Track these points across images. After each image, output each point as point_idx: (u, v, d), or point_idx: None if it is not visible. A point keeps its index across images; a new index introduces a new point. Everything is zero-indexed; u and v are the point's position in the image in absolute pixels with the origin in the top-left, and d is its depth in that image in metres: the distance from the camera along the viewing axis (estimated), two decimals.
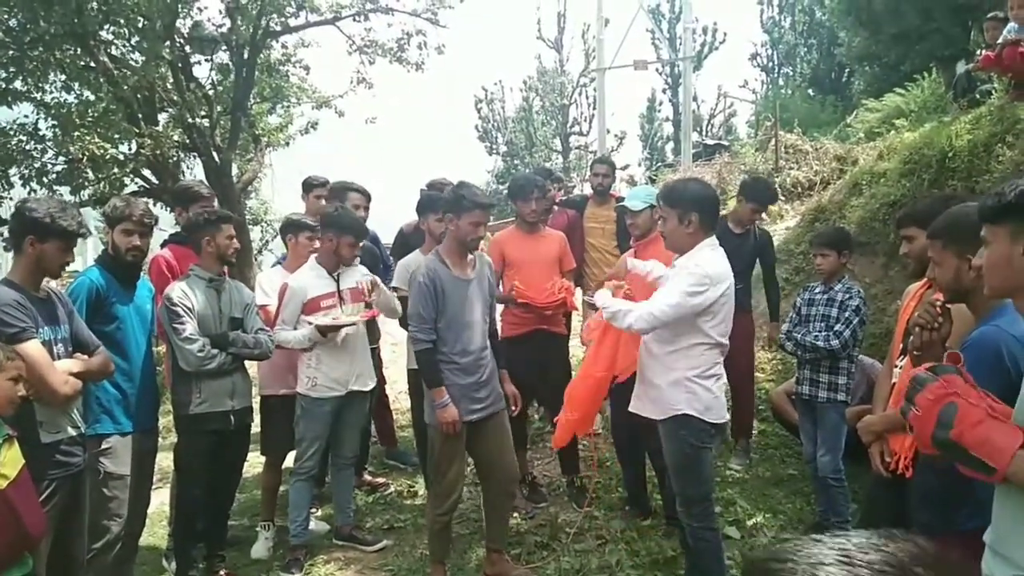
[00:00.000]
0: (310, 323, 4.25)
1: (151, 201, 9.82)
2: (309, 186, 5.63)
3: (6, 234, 10.58)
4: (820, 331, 4.20)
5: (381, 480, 5.40)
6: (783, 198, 9.48)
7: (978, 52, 9.19)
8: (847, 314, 4.14)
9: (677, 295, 3.22)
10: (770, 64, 23.81)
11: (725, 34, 24.55)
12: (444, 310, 3.76)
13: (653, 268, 3.84)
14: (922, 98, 9.78)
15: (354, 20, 10.61)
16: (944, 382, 1.74)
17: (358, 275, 4.52)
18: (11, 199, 10.02)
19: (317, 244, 4.60)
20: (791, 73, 22.81)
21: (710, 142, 16.92)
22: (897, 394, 2.84)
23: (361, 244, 4.50)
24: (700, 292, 3.19)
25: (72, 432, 3.21)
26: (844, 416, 4.17)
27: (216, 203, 4.82)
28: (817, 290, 4.36)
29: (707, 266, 3.25)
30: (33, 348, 2.97)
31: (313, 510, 4.81)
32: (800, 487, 4.86)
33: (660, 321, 3.24)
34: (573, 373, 5.28)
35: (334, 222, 4.40)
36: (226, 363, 3.90)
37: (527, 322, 4.72)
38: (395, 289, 4.67)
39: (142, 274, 3.95)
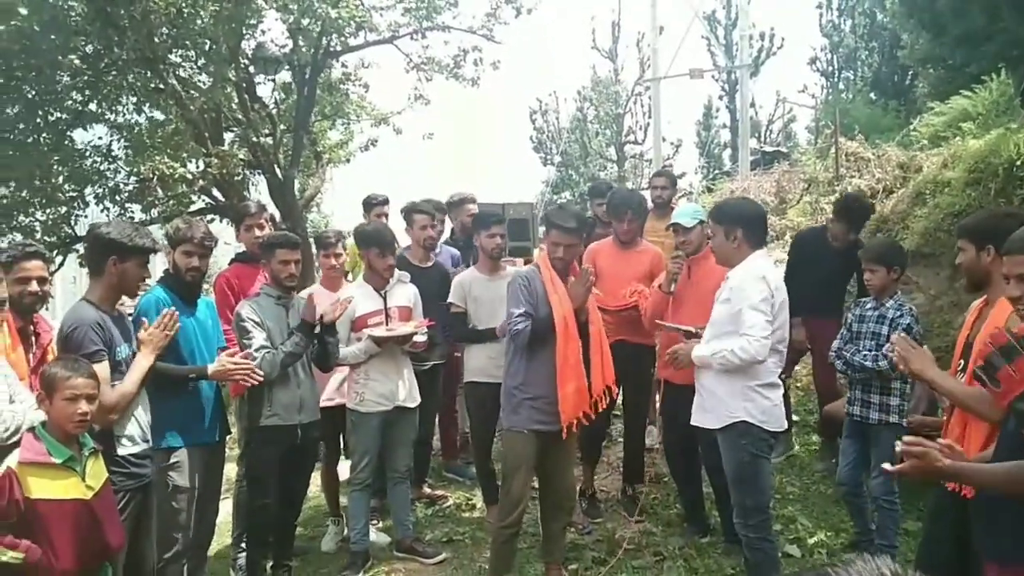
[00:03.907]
0: (359, 339, 4.35)
1: (217, 218, 10.15)
2: (370, 204, 5.75)
3: (82, 251, 11.10)
4: (870, 350, 4.04)
5: (440, 493, 5.47)
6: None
7: None
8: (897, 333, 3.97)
9: (756, 312, 3.38)
10: (830, 68, 23.30)
11: (783, 39, 24.12)
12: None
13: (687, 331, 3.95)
14: (990, 100, 9.46)
15: (411, 38, 10.79)
16: None
17: (409, 293, 4.60)
18: (86, 217, 10.46)
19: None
20: (852, 77, 22.28)
21: (769, 149, 16.67)
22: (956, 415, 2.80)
23: (392, 254, 4.50)
24: (767, 295, 3.41)
25: (144, 445, 3.39)
26: (898, 438, 4.04)
27: (265, 218, 4.92)
28: (868, 306, 4.20)
29: (761, 270, 3.48)
30: (100, 371, 3.11)
31: (374, 522, 4.93)
32: None
33: (765, 341, 3.38)
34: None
35: (359, 237, 4.60)
36: (280, 359, 3.96)
37: (609, 332, 4.68)
38: (450, 305, 4.74)
39: (203, 292, 4.11)
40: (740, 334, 3.39)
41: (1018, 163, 5.84)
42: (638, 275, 4.75)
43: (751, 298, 3.40)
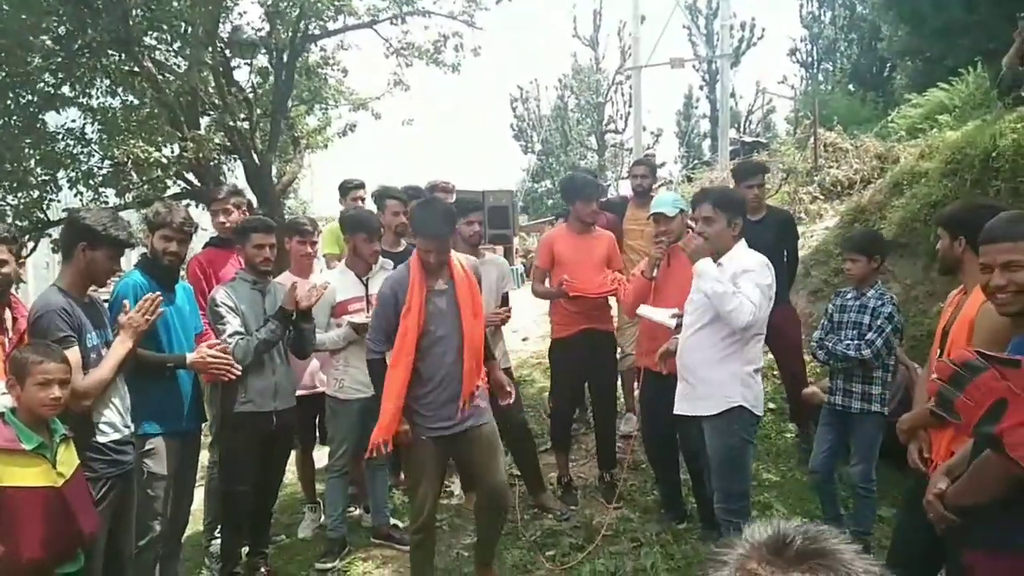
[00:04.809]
0: (339, 325, 4.32)
1: (193, 203, 10.04)
2: (346, 189, 5.71)
3: (54, 235, 10.98)
4: (852, 339, 4.01)
5: None
6: (821, 197, 9.37)
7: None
8: (879, 322, 3.93)
9: (757, 289, 3.45)
10: (809, 59, 23.51)
11: (763, 30, 24.27)
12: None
13: (662, 316, 4.02)
14: (966, 93, 9.56)
15: (391, 23, 10.72)
16: (998, 374, 1.72)
17: None
18: (59, 201, 10.30)
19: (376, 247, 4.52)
20: (831, 69, 22.50)
21: (748, 140, 16.78)
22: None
23: (378, 240, 4.47)
24: (771, 282, 3.53)
25: (125, 432, 3.34)
26: (880, 427, 4.00)
27: (233, 203, 4.80)
28: (849, 296, 4.16)
29: (761, 258, 3.58)
30: (71, 357, 3.06)
31: (352, 510, 4.91)
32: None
33: (757, 317, 3.46)
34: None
35: (346, 222, 4.54)
36: (254, 346, 3.93)
37: (575, 322, 4.76)
38: None
39: (180, 277, 4.04)
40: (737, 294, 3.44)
41: (994, 155, 5.90)
42: (597, 260, 4.79)
43: (761, 279, 3.50)
